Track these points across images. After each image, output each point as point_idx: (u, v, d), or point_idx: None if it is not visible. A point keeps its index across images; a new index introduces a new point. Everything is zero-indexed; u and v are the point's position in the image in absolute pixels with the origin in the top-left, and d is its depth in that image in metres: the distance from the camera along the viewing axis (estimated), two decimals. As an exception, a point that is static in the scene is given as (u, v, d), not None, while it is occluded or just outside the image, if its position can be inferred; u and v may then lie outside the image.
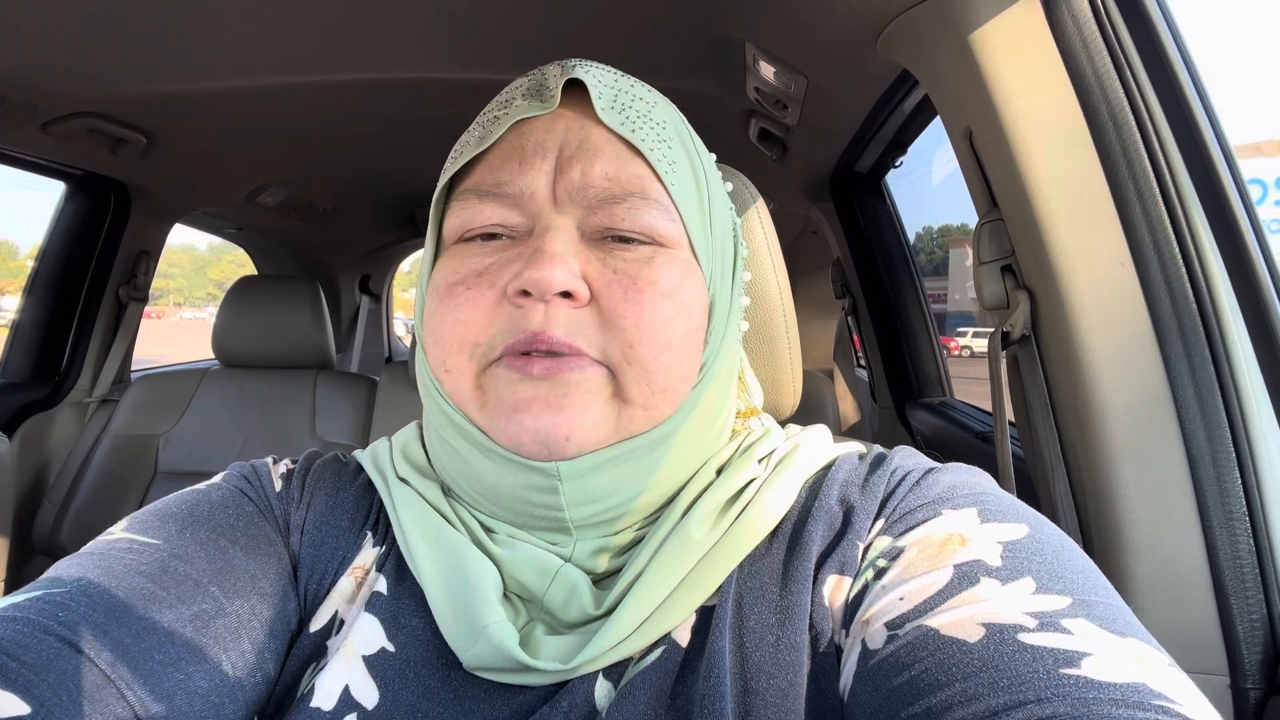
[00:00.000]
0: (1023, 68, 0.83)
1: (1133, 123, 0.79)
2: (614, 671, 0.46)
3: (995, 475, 0.90)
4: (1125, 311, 0.79)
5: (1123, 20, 0.81)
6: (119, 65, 1.42)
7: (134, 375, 2.43)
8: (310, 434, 2.09)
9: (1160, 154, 0.79)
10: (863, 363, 2.35)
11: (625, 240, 0.49)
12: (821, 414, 2.01)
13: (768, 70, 1.33)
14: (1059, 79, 0.82)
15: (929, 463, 0.52)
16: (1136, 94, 0.80)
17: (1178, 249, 0.78)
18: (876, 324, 2.03)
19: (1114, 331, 0.80)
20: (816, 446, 0.55)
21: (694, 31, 1.29)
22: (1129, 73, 0.80)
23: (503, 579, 0.49)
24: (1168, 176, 0.79)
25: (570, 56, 0.55)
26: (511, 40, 1.35)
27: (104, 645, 0.41)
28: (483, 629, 0.46)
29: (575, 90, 0.51)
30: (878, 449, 0.55)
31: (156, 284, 2.46)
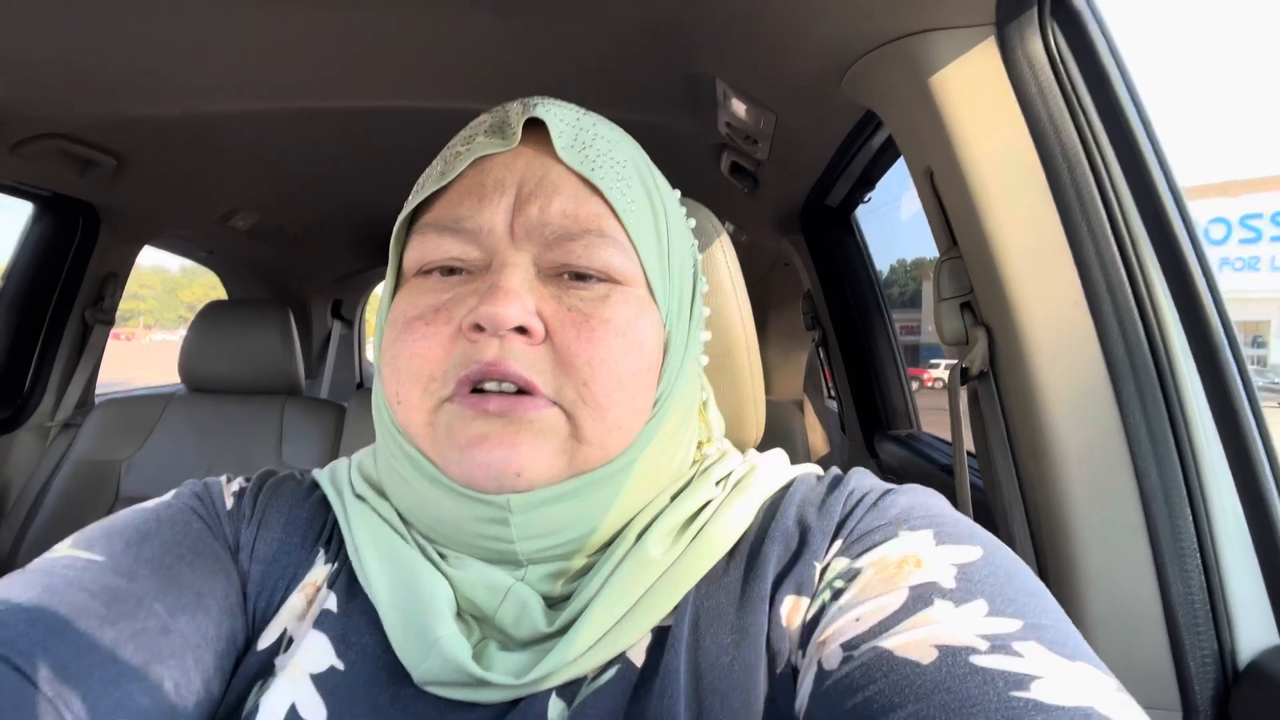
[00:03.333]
0: (980, 110, 0.85)
1: (1086, 165, 0.81)
2: (567, 690, 0.46)
3: (956, 506, 0.91)
4: (1080, 350, 0.81)
5: (1076, 66, 0.83)
6: (90, 87, 1.41)
7: (98, 399, 2.39)
8: (277, 460, 2.06)
9: (1113, 195, 0.81)
10: (832, 394, 2.37)
11: (581, 277, 0.49)
12: (790, 444, 2.01)
13: (738, 106, 1.35)
14: (1015, 121, 0.84)
15: (885, 484, 0.53)
16: (1090, 137, 0.82)
17: (1130, 289, 0.80)
18: (846, 356, 2.05)
19: (1069, 369, 0.81)
20: (774, 468, 0.56)
21: (666, 67, 1.30)
22: (1082, 116, 0.82)
23: (455, 598, 0.49)
24: (1120, 218, 0.81)
25: (544, 89, 0.55)
26: (485, 72, 1.36)
27: (42, 663, 0.40)
28: (435, 642, 0.46)
29: (537, 128, 0.52)
30: (834, 470, 0.56)
31: (127, 305, 2.43)
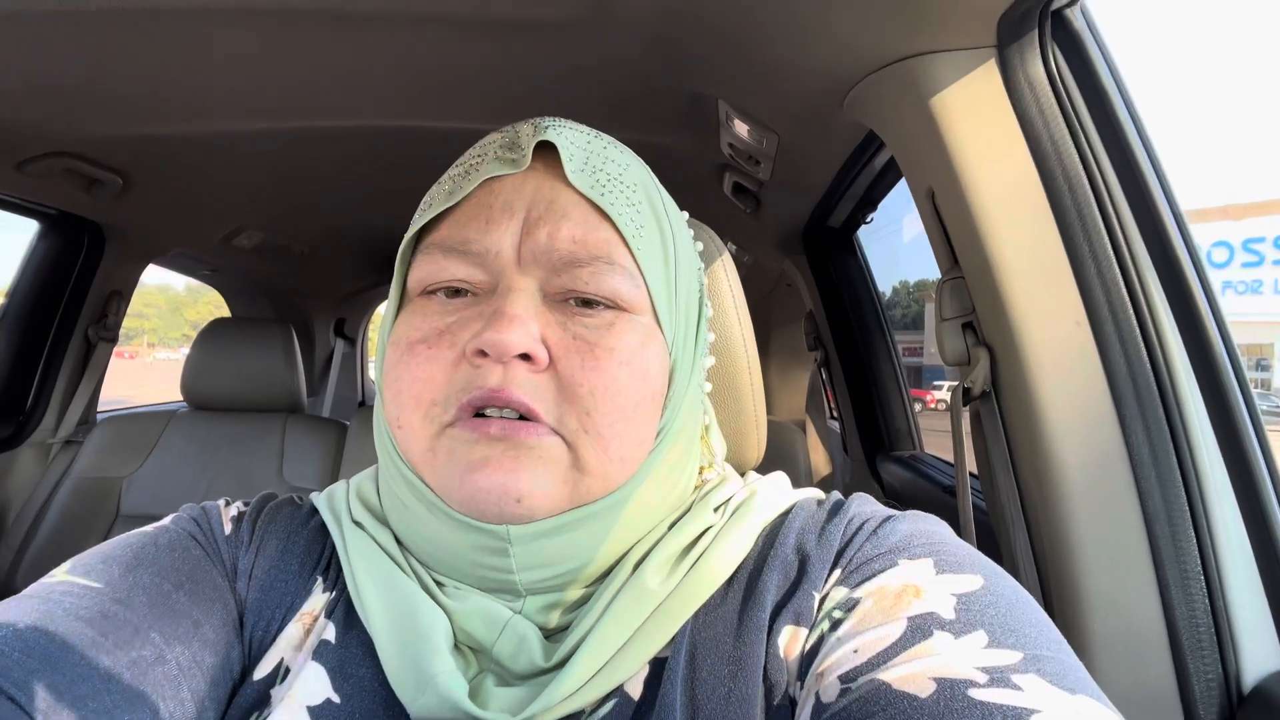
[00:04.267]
0: (981, 131, 0.85)
1: (1087, 186, 0.82)
2: None
3: (959, 528, 0.91)
4: (1081, 370, 0.81)
5: (1077, 87, 0.84)
6: (97, 106, 1.42)
7: (100, 416, 2.39)
8: (277, 478, 2.06)
9: (1114, 216, 0.81)
10: (835, 415, 2.37)
11: (587, 304, 0.49)
12: (792, 465, 2.01)
13: (741, 127, 1.36)
14: (1016, 143, 0.84)
15: (886, 510, 0.53)
16: (1090, 158, 0.82)
17: (1131, 309, 0.80)
18: (848, 377, 2.05)
19: (1071, 389, 0.81)
20: (774, 493, 0.55)
21: (669, 88, 1.31)
22: (1083, 137, 0.83)
23: (453, 630, 0.49)
24: (1121, 238, 0.81)
25: (548, 109, 0.55)
26: (491, 92, 1.37)
27: (37, 692, 0.40)
28: (431, 679, 0.45)
29: (547, 149, 0.51)
30: (836, 495, 0.55)
31: (131, 324, 2.44)
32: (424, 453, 0.48)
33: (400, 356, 0.49)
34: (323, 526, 0.58)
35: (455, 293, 0.50)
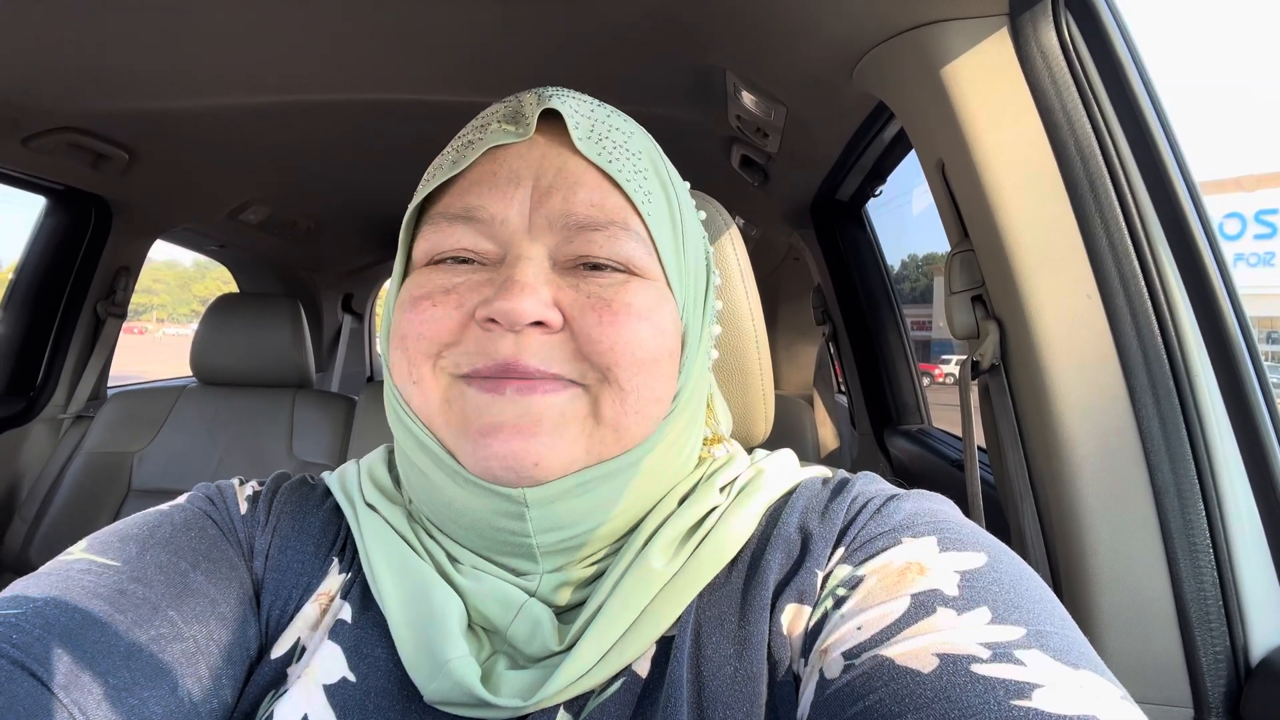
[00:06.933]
0: (993, 101, 0.84)
1: (1099, 157, 0.81)
2: (575, 704, 0.46)
3: (966, 503, 0.91)
4: (1092, 343, 0.80)
5: (1090, 56, 0.83)
6: (102, 81, 1.42)
7: (110, 391, 2.41)
8: (287, 453, 2.07)
9: (1127, 189, 0.80)
10: (843, 389, 2.36)
11: (598, 268, 0.48)
12: (800, 439, 2.01)
13: (749, 99, 1.34)
14: (1028, 113, 0.83)
15: (891, 489, 0.53)
16: (1103, 128, 0.81)
17: (1143, 281, 0.79)
18: (856, 351, 2.04)
19: (1081, 363, 0.81)
20: (780, 472, 0.55)
21: (676, 59, 1.30)
22: (1096, 108, 0.81)
23: (467, 611, 0.49)
24: (1133, 210, 0.80)
25: (554, 81, 0.54)
26: (496, 64, 1.36)
27: (57, 669, 0.40)
28: (444, 663, 0.45)
29: (551, 118, 0.51)
30: (841, 474, 0.55)
31: (140, 300, 2.45)
32: (440, 404, 0.48)
33: (405, 312, 0.49)
34: (337, 508, 0.58)
35: (461, 261, 0.50)
